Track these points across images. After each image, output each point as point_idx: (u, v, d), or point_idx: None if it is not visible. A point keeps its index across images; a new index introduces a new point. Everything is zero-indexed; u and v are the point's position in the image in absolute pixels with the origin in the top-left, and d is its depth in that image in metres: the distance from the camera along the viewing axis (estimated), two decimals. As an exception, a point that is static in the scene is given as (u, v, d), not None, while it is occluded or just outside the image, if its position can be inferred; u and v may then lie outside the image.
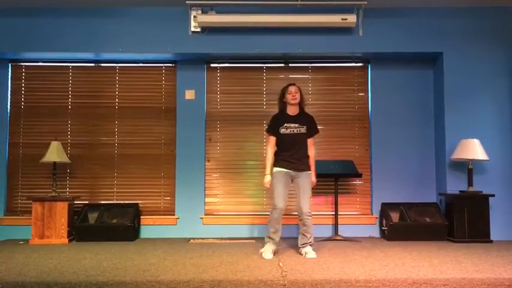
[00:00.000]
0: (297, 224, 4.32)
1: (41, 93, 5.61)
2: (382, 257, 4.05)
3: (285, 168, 4.17)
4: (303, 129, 4.22)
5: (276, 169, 4.21)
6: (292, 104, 4.26)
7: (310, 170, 4.24)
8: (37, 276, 3.26)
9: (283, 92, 4.32)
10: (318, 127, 4.41)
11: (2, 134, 5.49)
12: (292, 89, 4.27)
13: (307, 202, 4.12)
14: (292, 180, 4.22)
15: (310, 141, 4.29)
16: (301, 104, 4.33)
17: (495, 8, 5.35)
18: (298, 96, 4.25)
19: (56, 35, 5.31)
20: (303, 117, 4.29)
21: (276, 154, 4.28)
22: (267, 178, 4.24)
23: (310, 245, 4.13)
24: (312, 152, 4.29)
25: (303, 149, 4.23)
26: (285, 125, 4.22)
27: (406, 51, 5.35)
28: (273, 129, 4.29)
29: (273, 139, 4.28)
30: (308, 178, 4.19)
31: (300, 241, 4.18)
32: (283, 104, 4.33)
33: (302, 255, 4.11)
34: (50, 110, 5.59)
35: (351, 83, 5.68)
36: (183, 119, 5.53)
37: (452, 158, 5.14)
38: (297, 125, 4.22)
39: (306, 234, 4.12)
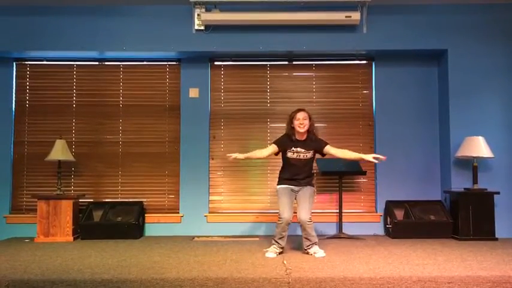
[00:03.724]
0: (299, 222, 4.29)
1: (45, 91, 5.62)
2: (386, 254, 4.05)
3: (288, 185, 4.17)
4: (309, 154, 4.14)
5: (279, 186, 4.21)
6: (300, 133, 4.14)
7: (313, 186, 4.23)
8: (42, 274, 3.28)
9: (292, 117, 4.14)
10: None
11: (7, 133, 5.51)
12: (300, 115, 4.09)
13: (306, 210, 4.05)
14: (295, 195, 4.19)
15: (327, 149, 4.15)
16: (310, 130, 4.14)
17: (500, 4, 5.31)
18: (306, 123, 4.08)
19: (60, 33, 5.32)
20: (310, 143, 4.15)
21: (280, 173, 4.26)
22: (236, 154, 4.08)
23: (315, 244, 4.11)
24: (340, 150, 4.18)
25: (307, 172, 4.18)
26: (293, 149, 4.13)
27: (410, 48, 5.32)
28: (280, 143, 4.17)
29: (273, 147, 4.16)
30: (309, 190, 4.16)
31: (305, 244, 4.13)
32: (291, 129, 4.14)
33: (311, 255, 4.05)
34: (54, 109, 5.61)
35: (355, 81, 5.66)
36: (187, 117, 5.53)
37: (457, 156, 5.12)
38: (303, 151, 4.12)
39: (309, 237, 4.09)
